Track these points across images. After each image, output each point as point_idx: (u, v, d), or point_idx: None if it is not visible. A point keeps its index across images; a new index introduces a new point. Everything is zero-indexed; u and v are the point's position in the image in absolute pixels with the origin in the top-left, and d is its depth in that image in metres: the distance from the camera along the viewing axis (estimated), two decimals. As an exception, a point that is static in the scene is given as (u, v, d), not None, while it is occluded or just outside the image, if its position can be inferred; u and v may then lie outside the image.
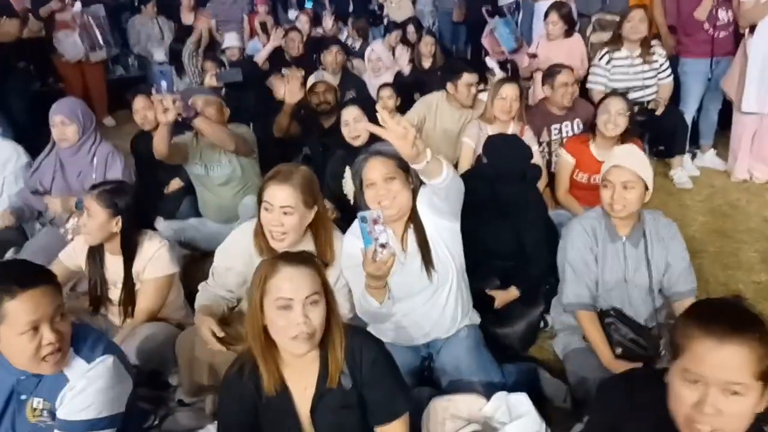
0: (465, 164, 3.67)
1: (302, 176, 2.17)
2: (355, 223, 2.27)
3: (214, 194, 3.51)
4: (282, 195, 2.13)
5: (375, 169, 2.17)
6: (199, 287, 2.40)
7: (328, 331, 1.64)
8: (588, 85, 4.38)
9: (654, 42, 4.29)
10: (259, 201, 2.18)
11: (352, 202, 3.18)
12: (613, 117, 3.31)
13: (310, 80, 4.07)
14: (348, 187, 3.26)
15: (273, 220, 2.14)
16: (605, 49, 4.30)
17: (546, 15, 4.64)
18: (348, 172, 3.25)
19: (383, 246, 1.83)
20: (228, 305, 2.37)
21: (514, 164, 2.89)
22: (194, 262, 3.42)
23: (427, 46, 5.37)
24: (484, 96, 3.90)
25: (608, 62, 4.27)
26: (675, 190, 4.24)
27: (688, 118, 4.46)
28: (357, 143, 3.26)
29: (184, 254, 3.42)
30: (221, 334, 2.15)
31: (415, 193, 2.24)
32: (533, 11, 5.38)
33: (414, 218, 2.25)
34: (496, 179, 2.81)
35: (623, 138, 3.33)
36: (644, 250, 2.40)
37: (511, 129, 3.69)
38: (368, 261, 1.85)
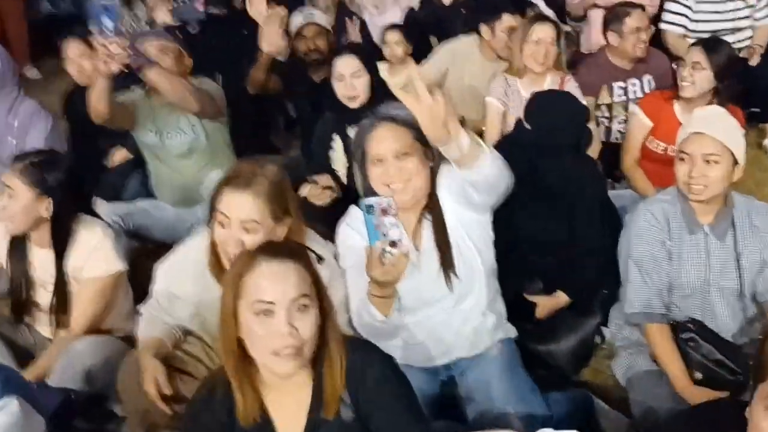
0: (493, 131, 3.69)
1: (270, 179, 2.11)
2: (352, 211, 2.28)
3: (172, 169, 3.52)
4: (242, 206, 2.07)
5: (385, 141, 2.17)
6: (142, 310, 2.39)
7: (322, 346, 1.64)
8: (661, 26, 4.36)
9: None
10: (212, 210, 2.12)
11: (345, 181, 3.20)
12: (688, 71, 3.30)
13: (295, 21, 4.05)
14: (339, 161, 3.27)
15: (230, 239, 2.07)
16: None
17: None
18: (338, 142, 3.26)
19: (394, 244, 1.83)
20: (181, 334, 2.34)
21: (567, 131, 2.89)
22: (146, 256, 3.42)
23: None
24: None
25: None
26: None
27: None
28: (354, 105, 3.27)
29: (132, 246, 3.43)
30: (168, 391, 2.12)
31: (434, 173, 2.24)
32: None
33: (432, 206, 2.26)
34: (541, 151, 2.82)
35: (716, 101, 3.31)
36: (733, 243, 2.41)
37: (548, 83, 3.70)
38: (374, 263, 1.84)
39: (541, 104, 3.02)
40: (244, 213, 2.06)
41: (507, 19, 3.90)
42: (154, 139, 3.47)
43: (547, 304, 2.76)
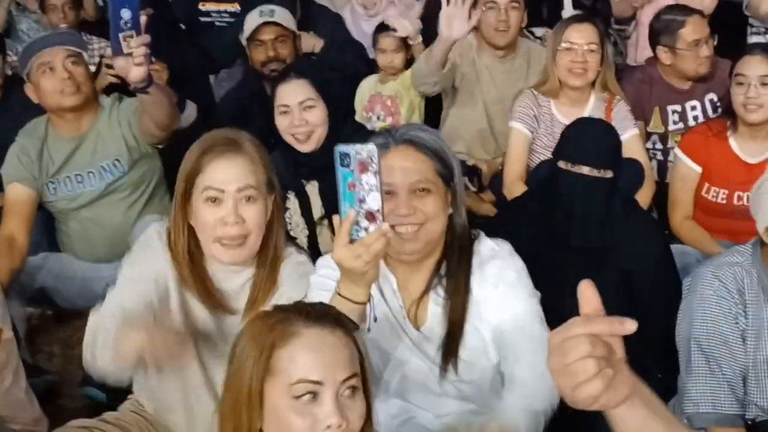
0: (516, 167, 3.68)
1: (254, 142, 2.31)
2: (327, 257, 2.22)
3: (91, 216, 3.53)
4: (238, 172, 2.25)
5: (398, 170, 2.14)
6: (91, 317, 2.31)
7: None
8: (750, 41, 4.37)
9: None
10: (187, 194, 2.28)
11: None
12: (754, 87, 3.30)
13: (250, 22, 4.09)
14: (297, 227, 3.25)
15: (228, 216, 2.22)
16: None
17: None
18: (293, 202, 3.23)
19: (371, 216, 1.79)
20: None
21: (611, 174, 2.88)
22: (46, 326, 3.40)
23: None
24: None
25: None
26: None
27: None
28: (305, 147, 3.21)
29: (30, 314, 3.41)
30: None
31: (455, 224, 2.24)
32: None
33: (450, 260, 2.24)
34: (580, 199, 2.84)
35: None
36: None
37: (591, 106, 3.71)
38: (342, 237, 1.82)
39: (579, 135, 3.01)
40: (243, 179, 2.24)
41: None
42: (65, 192, 3.49)
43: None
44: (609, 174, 2.82)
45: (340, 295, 1.94)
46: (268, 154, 2.36)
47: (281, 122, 3.21)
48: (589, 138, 2.94)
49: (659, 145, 3.94)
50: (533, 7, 4.44)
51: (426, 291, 2.24)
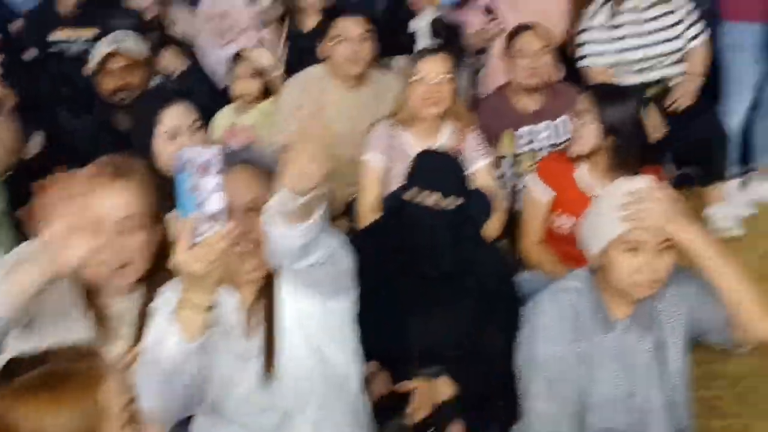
0: (370, 198, 3.68)
1: (143, 168, 2.34)
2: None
3: None
4: (118, 202, 2.22)
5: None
6: None
7: None
8: (580, 63, 4.50)
9: None
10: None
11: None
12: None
13: (99, 50, 4.02)
14: None
15: (106, 249, 2.13)
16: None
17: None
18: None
19: (213, 217, 1.81)
20: None
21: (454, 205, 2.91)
22: None
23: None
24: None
25: (611, 17, 4.43)
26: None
27: (735, 123, 4.67)
28: None
29: None
30: None
31: None
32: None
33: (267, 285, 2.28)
34: (426, 228, 2.86)
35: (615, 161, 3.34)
36: (654, 341, 2.46)
37: (445, 135, 3.76)
38: (184, 243, 1.82)
39: (425, 166, 3.04)
40: (122, 210, 2.22)
41: (344, 25, 4.02)
42: None
43: (425, 392, 2.74)
44: (457, 203, 2.85)
45: (181, 306, 1.94)
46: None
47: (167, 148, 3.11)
48: (434, 169, 2.97)
49: (510, 171, 4.00)
50: (389, 38, 4.49)
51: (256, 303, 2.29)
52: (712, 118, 4.50)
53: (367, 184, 3.72)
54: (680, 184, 4.58)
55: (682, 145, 4.39)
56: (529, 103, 4.05)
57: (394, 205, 3.05)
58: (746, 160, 4.85)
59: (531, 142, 4.03)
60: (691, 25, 4.47)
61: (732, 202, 4.61)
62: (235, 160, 2.21)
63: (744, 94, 4.71)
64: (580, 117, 3.35)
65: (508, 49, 4.04)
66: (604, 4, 4.46)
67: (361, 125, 3.91)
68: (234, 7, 5.20)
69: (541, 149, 3.99)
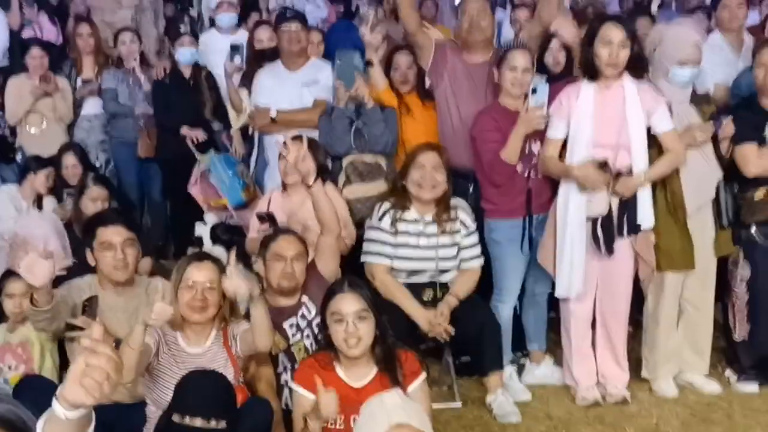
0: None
1: None
2: None
3: None
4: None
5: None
6: None
7: None
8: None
9: (456, 201, 4.71)
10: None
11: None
12: (352, 324, 3.46)
13: None
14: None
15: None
16: (385, 206, 4.64)
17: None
18: None
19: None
20: None
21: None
22: None
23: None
24: None
25: (393, 223, 4.58)
26: (496, 427, 4.46)
27: (507, 311, 4.88)
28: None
29: None
30: None
31: None
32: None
33: None
34: None
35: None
36: None
37: (212, 338, 3.81)
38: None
39: (190, 388, 3.13)
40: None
41: None
42: None
43: None
44: (222, 425, 2.85)
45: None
46: None
47: None
48: (198, 390, 2.98)
49: (288, 364, 4.09)
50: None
51: None
52: (481, 310, 4.66)
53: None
54: (460, 373, 4.74)
55: (459, 335, 4.50)
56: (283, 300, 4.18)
57: (163, 428, 3.05)
58: (519, 347, 5.06)
59: (298, 331, 4.20)
60: (464, 249, 4.72)
61: (510, 388, 4.73)
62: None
63: (511, 285, 4.91)
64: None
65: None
66: (384, 214, 4.62)
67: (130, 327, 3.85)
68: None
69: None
